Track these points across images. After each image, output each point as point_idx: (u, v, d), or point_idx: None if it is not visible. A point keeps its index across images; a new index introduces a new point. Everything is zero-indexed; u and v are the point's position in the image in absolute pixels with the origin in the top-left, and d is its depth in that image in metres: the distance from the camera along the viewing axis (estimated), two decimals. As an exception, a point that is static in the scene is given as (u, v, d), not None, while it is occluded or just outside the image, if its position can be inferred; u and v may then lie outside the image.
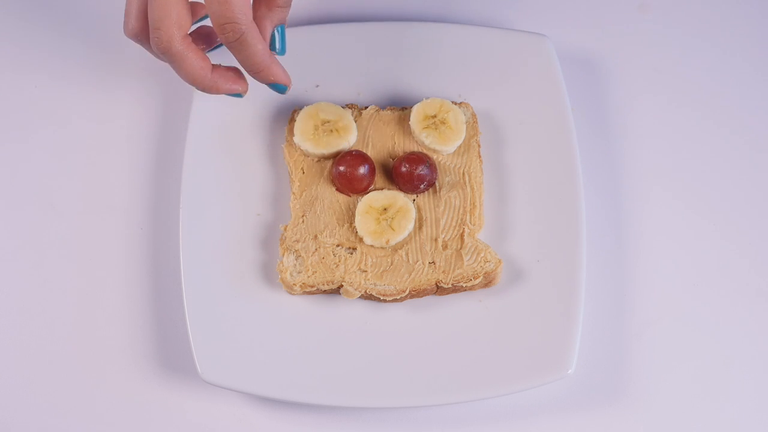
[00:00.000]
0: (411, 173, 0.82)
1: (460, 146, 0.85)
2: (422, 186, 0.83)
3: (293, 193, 0.84)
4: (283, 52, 0.72)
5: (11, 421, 0.82)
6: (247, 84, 0.72)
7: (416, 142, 0.85)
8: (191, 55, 0.68)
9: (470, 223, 0.82)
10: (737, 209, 0.88)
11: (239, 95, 0.72)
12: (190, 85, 0.73)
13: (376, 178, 0.84)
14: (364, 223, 0.82)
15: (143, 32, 0.71)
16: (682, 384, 0.83)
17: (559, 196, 0.83)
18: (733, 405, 0.82)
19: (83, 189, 0.89)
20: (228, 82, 0.71)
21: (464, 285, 0.81)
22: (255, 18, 0.70)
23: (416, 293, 0.81)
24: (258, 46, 0.68)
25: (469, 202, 0.83)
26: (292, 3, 0.72)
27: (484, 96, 0.88)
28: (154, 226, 0.87)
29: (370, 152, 0.85)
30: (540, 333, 0.79)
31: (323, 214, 0.83)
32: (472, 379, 0.78)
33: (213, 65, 0.70)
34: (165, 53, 0.68)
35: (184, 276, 0.81)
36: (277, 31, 0.71)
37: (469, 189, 0.84)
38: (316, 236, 0.82)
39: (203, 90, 0.70)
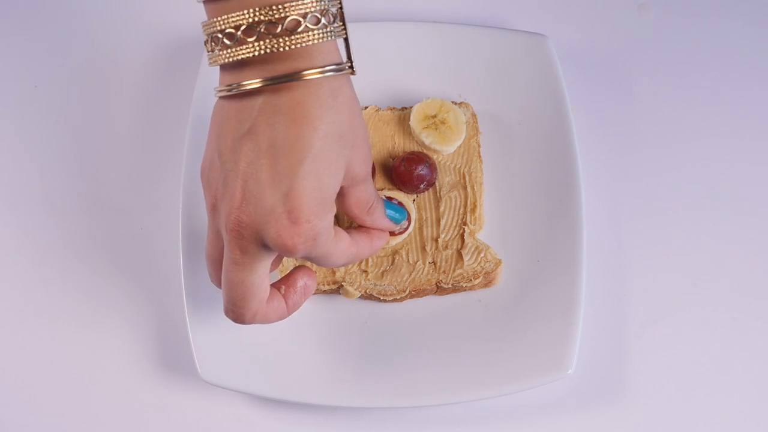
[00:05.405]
0: (411, 173, 0.82)
1: (460, 146, 0.85)
2: (422, 186, 0.83)
3: (293, 193, 0.84)
4: (401, 219, 0.76)
5: (11, 421, 0.82)
6: (315, 278, 0.71)
7: (416, 142, 0.85)
8: (271, 315, 0.68)
9: (470, 223, 0.82)
10: (738, 208, 0.88)
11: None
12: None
13: (376, 178, 0.84)
14: (364, 223, 0.82)
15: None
16: (682, 384, 0.83)
17: (559, 195, 0.83)
18: (733, 405, 0.82)
19: (83, 189, 0.89)
20: (301, 299, 0.70)
21: (464, 285, 0.81)
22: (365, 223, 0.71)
23: (416, 293, 0.81)
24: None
25: (469, 202, 0.83)
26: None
27: (484, 96, 0.88)
28: (154, 226, 0.87)
29: (370, 152, 0.85)
30: (540, 333, 0.79)
31: (323, 214, 0.83)
32: (472, 379, 0.78)
33: (279, 289, 0.69)
34: (241, 324, 0.67)
35: (184, 276, 0.81)
36: (389, 209, 0.74)
37: (469, 189, 0.84)
38: (316, 236, 0.82)
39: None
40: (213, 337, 0.79)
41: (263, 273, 0.65)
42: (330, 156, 0.62)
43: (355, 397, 0.78)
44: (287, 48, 0.60)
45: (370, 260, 0.81)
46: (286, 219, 0.61)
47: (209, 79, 0.87)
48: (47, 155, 0.90)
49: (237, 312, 0.66)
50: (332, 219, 0.64)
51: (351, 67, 0.63)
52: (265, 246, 0.63)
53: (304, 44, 0.60)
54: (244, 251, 0.63)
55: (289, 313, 0.69)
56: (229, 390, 0.80)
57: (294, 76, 0.60)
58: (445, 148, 0.84)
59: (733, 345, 0.84)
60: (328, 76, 0.61)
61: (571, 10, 0.95)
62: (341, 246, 0.67)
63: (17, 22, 0.95)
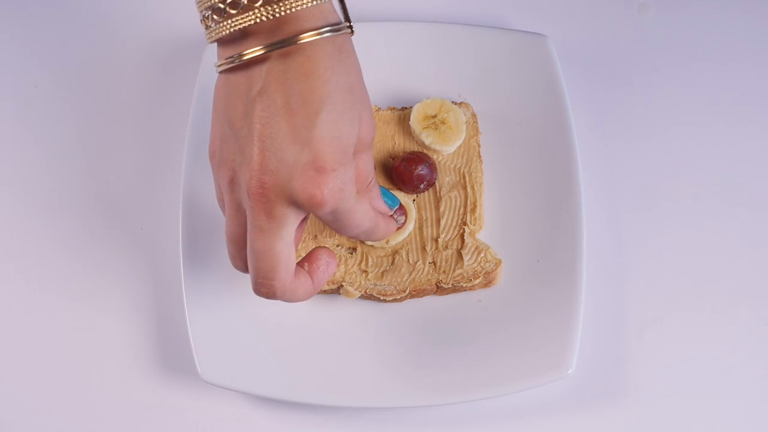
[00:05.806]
0: (411, 173, 0.82)
1: (460, 146, 0.85)
2: (422, 186, 0.83)
3: (293, 193, 0.84)
4: (393, 205, 0.75)
5: (11, 421, 0.82)
6: (335, 257, 0.71)
7: (416, 142, 0.85)
8: (300, 290, 0.68)
9: (470, 223, 0.82)
10: (737, 209, 0.88)
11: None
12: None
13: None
14: (364, 223, 0.81)
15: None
16: (682, 384, 0.83)
17: (559, 196, 0.83)
18: (733, 405, 0.82)
19: (83, 189, 0.89)
20: (324, 276, 0.70)
21: (464, 285, 0.81)
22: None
23: (416, 293, 0.81)
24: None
25: (469, 202, 0.83)
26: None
27: (484, 96, 0.88)
28: (154, 226, 0.87)
29: (370, 152, 0.85)
30: (540, 333, 0.79)
31: (323, 214, 0.83)
32: (472, 379, 0.78)
33: (303, 267, 0.69)
34: (272, 298, 0.67)
35: (184, 276, 0.81)
36: (383, 195, 0.74)
37: (469, 189, 0.84)
38: (316, 236, 0.82)
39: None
40: (213, 337, 0.79)
41: (289, 240, 0.64)
42: (344, 106, 0.62)
43: (355, 397, 0.78)
44: (290, 11, 0.61)
45: (370, 260, 0.82)
46: (312, 169, 0.61)
47: (209, 79, 0.87)
48: (47, 155, 0.90)
49: (268, 284, 0.65)
50: (353, 174, 0.64)
51: (350, 27, 0.64)
52: (292, 204, 0.62)
53: (305, 6, 0.61)
54: (270, 215, 0.63)
55: (315, 291, 0.69)
56: (229, 390, 0.80)
57: (295, 38, 0.61)
58: (445, 148, 0.84)
59: (733, 345, 0.84)
60: (330, 36, 0.62)
61: (571, 10, 0.95)
62: (364, 206, 0.67)
63: (17, 22, 0.95)
